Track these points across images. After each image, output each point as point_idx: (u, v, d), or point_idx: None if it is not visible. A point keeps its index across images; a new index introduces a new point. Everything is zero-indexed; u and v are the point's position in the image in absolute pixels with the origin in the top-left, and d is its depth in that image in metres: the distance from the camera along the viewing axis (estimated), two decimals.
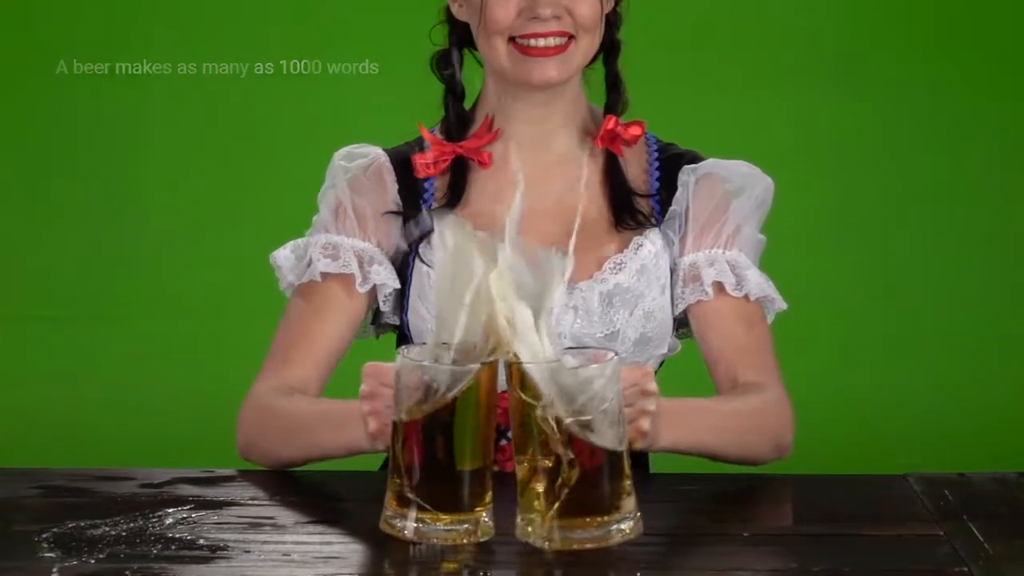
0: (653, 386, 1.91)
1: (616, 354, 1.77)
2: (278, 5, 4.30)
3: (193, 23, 4.28)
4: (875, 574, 1.74)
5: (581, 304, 2.18)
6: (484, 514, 1.78)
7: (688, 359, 2.27)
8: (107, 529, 1.84)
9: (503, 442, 2.15)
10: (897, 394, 4.05)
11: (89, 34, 4.25)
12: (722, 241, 2.22)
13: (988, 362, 4.09)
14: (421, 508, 1.76)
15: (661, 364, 2.25)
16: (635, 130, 2.23)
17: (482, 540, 1.77)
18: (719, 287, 2.19)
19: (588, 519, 1.74)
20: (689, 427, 2.00)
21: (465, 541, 1.77)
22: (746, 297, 2.20)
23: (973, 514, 1.90)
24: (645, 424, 1.91)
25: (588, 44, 2.17)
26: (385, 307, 2.23)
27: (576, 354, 1.78)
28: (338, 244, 2.22)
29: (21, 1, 4.28)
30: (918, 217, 4.22)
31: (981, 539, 1.82)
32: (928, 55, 4.21)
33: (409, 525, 1.76)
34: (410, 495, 1.76)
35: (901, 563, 1.76)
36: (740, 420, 2.09)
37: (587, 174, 2.24)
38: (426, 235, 2.21)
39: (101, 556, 1.76)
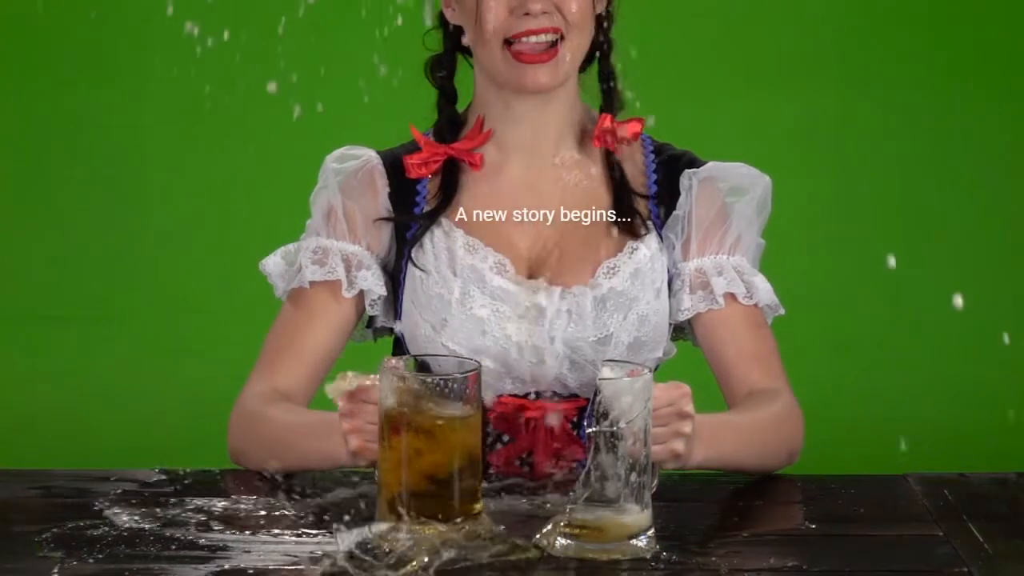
0: (690, 407, 1.90)
1: (650, 371, 1.76)
2: (278, 7, 4.29)
3: (192, 24, 4.27)
4: (875, 574, 1.74)
5: (575, 308, 2.16)
6: (478, 519, 1.77)
7: (683, 363, 2.27)
8: (107, 529, 1.84)
9: (498, 446, 2.15)
10: (897, 394, 4.05)
11: (89, 35, 4.24)
12: (726, 247, 2.21)
13: (988, 362, 4.09)
14: (413, 519, 1.75)
15: (656, 368, 2.24)
16: (635, 126, 2.21)
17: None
18: (731, 297, 2.19)
19: (601, 532, 1.74)
20: (719, 445, 1.99)
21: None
22: (755, 304, 2.20)
23: (973, 514, 1.90)
24: (680, 446, 1.90)
25: (577, 43, 2.16)
26: (373, 311, 2.22)
27: (614, 367, 1.77)
28: (327, 248, 2.21)
29: (22, 3, 4.28)
30: (918, 217, 4.22)
31: (981, 539, 1.82)
32: (929, 54, 4.20)
33: (403, 537, 1.76)
34: (401, 508, 1.75)
35: (901, 563, 1.77)
36: (763, 431, 2.09)
37: (584, 177, 2.23)
38: (419, 239, 2.20)
39: (101, 556, 1.76)
